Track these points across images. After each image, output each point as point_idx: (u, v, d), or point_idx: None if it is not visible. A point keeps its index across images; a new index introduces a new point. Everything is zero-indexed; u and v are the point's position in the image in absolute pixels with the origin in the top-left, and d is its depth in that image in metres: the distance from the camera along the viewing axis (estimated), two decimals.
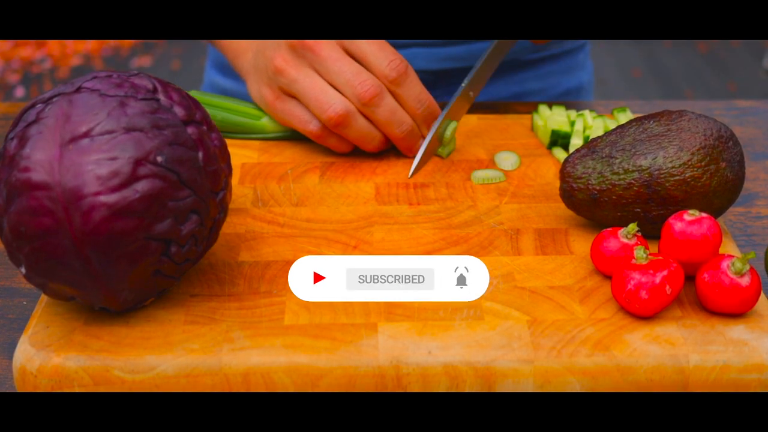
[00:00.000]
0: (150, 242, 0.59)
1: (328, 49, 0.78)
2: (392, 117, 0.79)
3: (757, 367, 0.60)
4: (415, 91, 0.80)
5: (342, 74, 0.78)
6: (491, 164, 0.82)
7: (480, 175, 0.79)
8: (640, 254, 0.62)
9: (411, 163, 0.82)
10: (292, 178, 0.79)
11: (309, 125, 0.80)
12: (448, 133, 0.82)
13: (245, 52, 0.88)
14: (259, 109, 0.86)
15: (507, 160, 0.81)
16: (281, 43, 0.81)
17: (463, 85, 0.83)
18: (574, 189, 0.70)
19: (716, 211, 0.70)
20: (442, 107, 0.96)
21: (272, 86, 0.82)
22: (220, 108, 0.85)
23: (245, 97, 1.09)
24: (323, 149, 0.84)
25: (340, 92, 0.79)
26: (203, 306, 0.64)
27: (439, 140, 0.82)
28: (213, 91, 1.15)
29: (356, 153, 0.84)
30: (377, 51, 0.79)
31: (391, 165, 0.82)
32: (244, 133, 0.85)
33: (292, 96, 0.81)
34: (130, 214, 0.57)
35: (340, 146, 0.82)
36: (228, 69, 1.11)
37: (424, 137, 0.82)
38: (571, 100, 1.12)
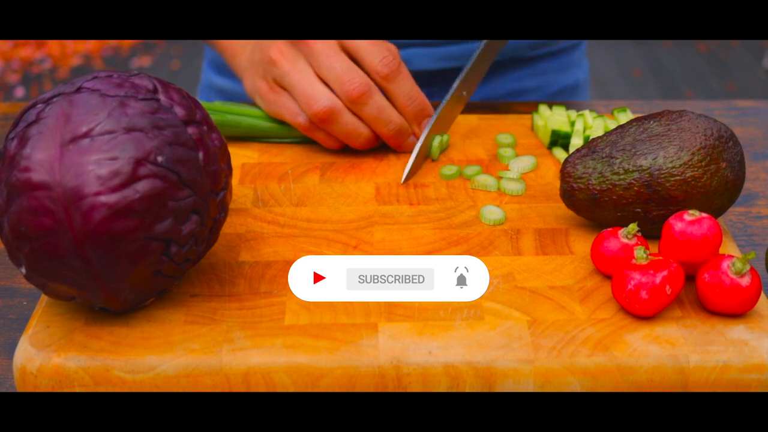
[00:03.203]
0: (150, 242, 0.59)
1: (322, 43, 0.79)
2: (380, 115, 0.79)
3: (758, 367, 0.60)
4: (406, 88, 0.80)
5: (333, 70, 0.78)
6: (491, 164, 0.81)
7: (511, 187, 0.77)
8: (640, 254, 0.62)
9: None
10: (292, 178, 0.79)
11: (298, 117, 0.81)
12: (435, 145, 0.82)
13: (243, 50, 0.89)
14: (257, 108, 0.86)
15: (523, 162, 0.80)
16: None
17: (455, 85, 0.83)
18: (574, 189, 0.70)
19: (716, 211, 0.70)
20: (438, 107, 0.96)
21: (267, 78, 0.82)
22: (220, 111, 0.85)
23: (242, 96, 1.09)
24: (324, 149, 0.84)
25: (330, 87, 0.79)
26: (203, 306, 0.64)
27: (426, 154, 0.82)
28: (210, 91, 1.15)
29: (356, 153, 0.84)
30: (371, 47, 0.79)
31: (392, 165, 0.82)
32: (243, 135, 0.85)
33: (284, 89, 0.82)
34: (130, 214, 0.57)
35: (328, 141, 0.82)
36: (225, 68, 1.12)
37: (415, 135, 0.82)
38: (567, 97, 1.12)
